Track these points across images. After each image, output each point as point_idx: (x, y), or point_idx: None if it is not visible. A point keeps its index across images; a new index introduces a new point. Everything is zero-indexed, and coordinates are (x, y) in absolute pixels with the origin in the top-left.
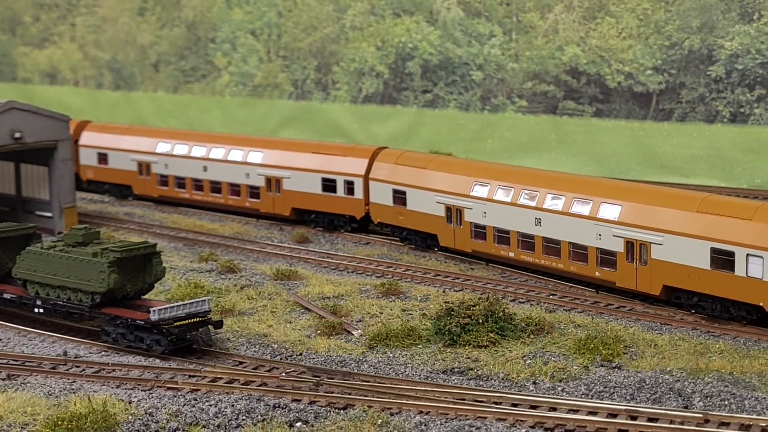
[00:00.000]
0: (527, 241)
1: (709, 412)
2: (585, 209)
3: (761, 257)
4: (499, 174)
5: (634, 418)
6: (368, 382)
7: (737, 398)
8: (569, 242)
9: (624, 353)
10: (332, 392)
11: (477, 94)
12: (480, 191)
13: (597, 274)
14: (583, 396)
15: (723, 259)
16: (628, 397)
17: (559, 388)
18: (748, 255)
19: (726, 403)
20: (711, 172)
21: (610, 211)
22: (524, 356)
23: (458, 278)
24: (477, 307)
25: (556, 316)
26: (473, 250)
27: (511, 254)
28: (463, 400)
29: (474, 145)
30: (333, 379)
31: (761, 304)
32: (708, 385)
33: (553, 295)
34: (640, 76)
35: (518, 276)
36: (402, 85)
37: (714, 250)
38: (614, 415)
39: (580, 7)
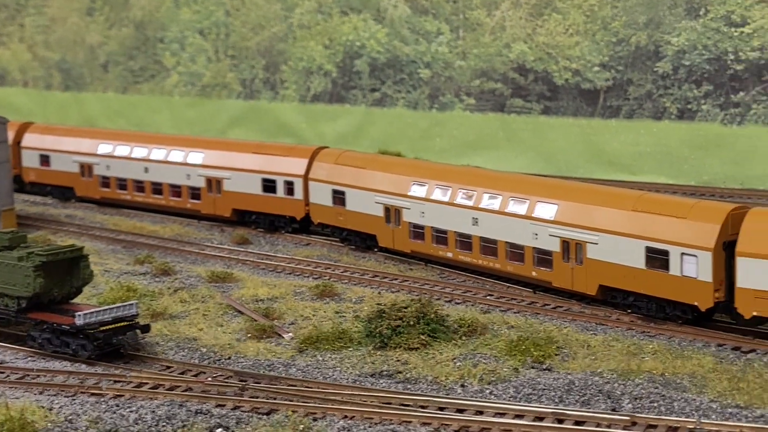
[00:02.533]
0: (465, 241)
1: (637, 415)
2: (521, 208)
3: (696, 256)
4: (437, 173)
5: (560, 421)
6: (295, 386)
7: (667, 400)
8: (506, 242)
9: (556, 354)
10: (257, 397)
11: (425, 93)
12: (418, 191)
13: (534, 274)
14: (511, 399)
15: (658, 258)
16: (556, 400)
17: (488, 391)
18: (682, 254)
19: (655, 404)
20: (659, 169)
21: (547, 210)
22: (454, 358)
23: (396, 279)
24: (409, 309)
25: (491, 317)
26: (412, 250)
27: (449, 254)
28: (389, 404)
29: (422, 144)
30: (259, 383)
31: (696, 303)
32: (638, 387)
33: (490, 295)
34: (588, 73)
35: (457, 276)
36: (350, 83)
37: (649, 249)
38: (541, 418)
39: (527, 3)
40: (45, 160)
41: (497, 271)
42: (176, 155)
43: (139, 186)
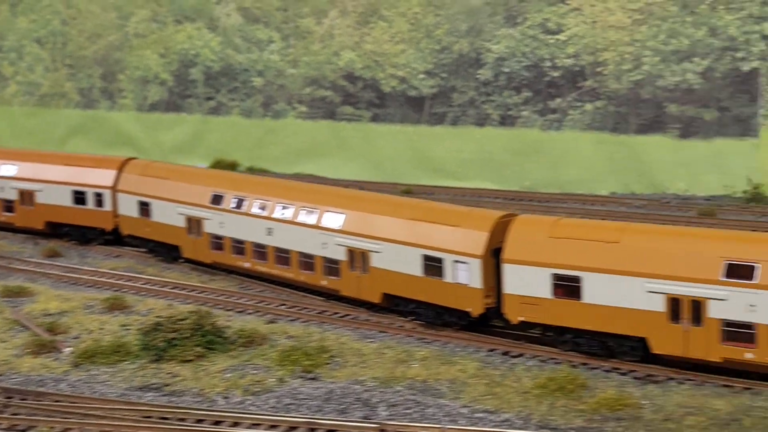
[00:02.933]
0: (260, 251)
1: (386, 422)
2: (311, 218)
3: (466, 263)
4: (235, 184)
5: (313, 431)
6: (60, 401)
7: (421, 406)
8: (298, 252)
9: (327, 364)
10: (18, 414)
11: (259, 101)
12: (217, 201)
13: (324, 283)
14: (271, 409)
15: (433, 266)
16: (314, 409)
17: (248, 402)
18: (454, 261)
19: (409, 411)
20: (483, 175)
21: (334, 219)
22: (225, 370)
23: (193, 291)
24: (185, 321)
25: (272, 328)
26: (213, 261)
27: (247, 265)
28: (150, 417)
29: (257, 152)
30: (25, 399)
31: (469, 309)
32: (396, 394)
33: (283, 305)
34: (413, 81)
35: (255, 287)
36: (186, 92)
37: (425, 257)
38: (294, 428)
39: (354, 12)
40: None
41: (291, 281)
42: None
43: None
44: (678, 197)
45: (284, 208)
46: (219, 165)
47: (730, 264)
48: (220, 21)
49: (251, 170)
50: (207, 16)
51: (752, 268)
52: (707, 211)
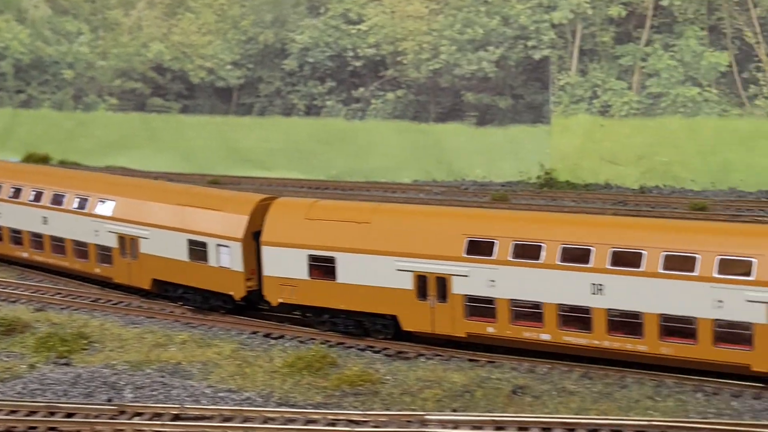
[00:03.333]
0: (37, 241)
1: (128, 404)
2: (84, 206)
3: (228, 246)
4: (11, 173)
5: (52, 414)
6: None
7: (167, 388)
8: (72, 240)
9: (84, 349)
10: None
11: (69, 93)
12: None
13: (97, 270)
14: (17, 395)
15: (198, 251)
16: (60, 393)
17: None
18: (218, 245)
19: (155, 393)
20: (291, 165)
21: (106, 207)
22: None
23: None
24: None
25: (38, 316)
26: None
27: (25, 254)
28: None
29: (69, 145)
30: None
31: (232, 293)
32: (145, 377)
33: (58, 294)
34: (221, 72)
35: (35, 276)
36: None
37: (191, 242)
38: (34, 412)
39: (162, 3)
40: None
41: (67, 270)
42: None
43: None
44: (476, 183)
45: (58, 196)
46: (31, 159)
47: (471, 241)
48: (28, 13)
49: (63, 163)
50: (15, 7)
51: (491, 244)
52: (501, 197)
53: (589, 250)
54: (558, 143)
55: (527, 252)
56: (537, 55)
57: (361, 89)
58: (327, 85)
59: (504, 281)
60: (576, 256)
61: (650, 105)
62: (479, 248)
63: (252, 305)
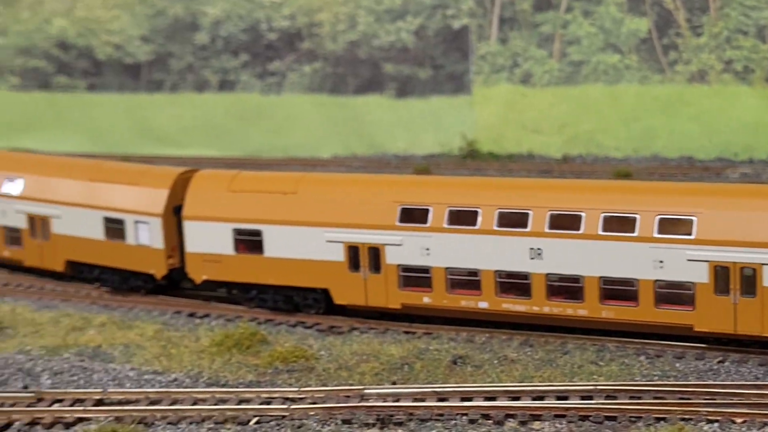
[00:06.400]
0: None
1: (45, 391)
2: None
3: (147, 223)
4: None
5: None
6: None
7: (88, 372)
8: None
9: None
10: None
11: None
12: None
13: (6, 253)
14: None
15: (115, 229)
16: None
17: None
18: (136, 222)
19: (75, 378)
20: (206, 142)
21: (13, 185)
22: None
23: None
24: None
25: None
26: None
27: None
28: None
29: None
30: None
31: (152, 272)
32: (62, 362)
33: None
34: (129, 47)
35: None
36: None
37: (107, 220)
38: None
39: None
40: None
41: None
42: None
43: None
44: (398, 156)
45: None
46: None
47: (404, 209)
48: None
49: None
50: None
51: (426, 211)
52: (423, 169)
53: (526, 214)
54: (480, 113)
55: (463, 218)
56: (456, 24)
57: (277, 62)
58: (241, 59)
59: (439, 249)
60: (513, 220)
61: (571, 73)
62: (413, 216)
63: (174, 284)
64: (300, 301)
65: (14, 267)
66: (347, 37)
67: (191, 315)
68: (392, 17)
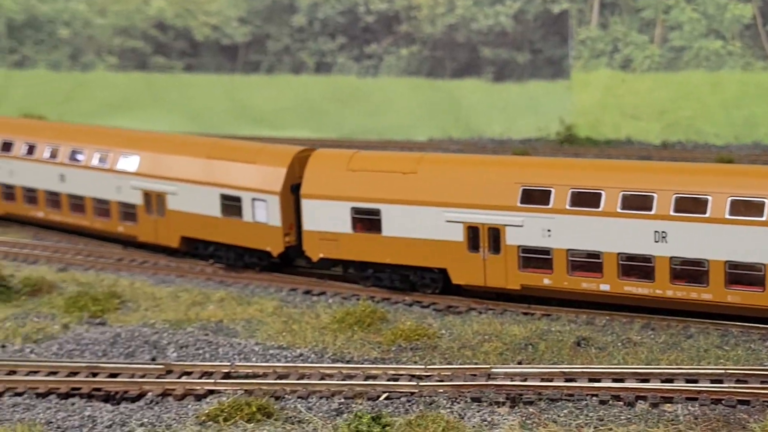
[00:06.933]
0: (54, 200)
1: (173, 363)
2: (105, 162)
3: (265, 201)
4: (25, 130)
5: (95, 375)
6: None
7: (213, 346)
8: (92, 197)
9: (117, 309)
10: None
11: (66, 53)
12: (5, 149)
13: (120, 229)
14: (53, 356)
15: (232, 206)
16: (99, 354)
17: (29, 350)
18: (253, 200)
19: (200, 351)
20: (301, 124)
21: (129, 162)
22: (5, 319)
23: None
24: None
25: (63, 276)
26: (6, 212)
27: (41, 214)
28: None
29: (66, 107)
30: None
31: (269, 249)
32: (187, 335)
33: (78, 254)
34: (227, 28)
35: (51, 236)
36: None
37: (224, 197)
38: (76, 373)
39: None
40: None
41: (87, 229)
42: None
43: None
44: (494, 141)
45: (77, 153)
46: None
47: (525, 189)
48: None
49: None
50: None
51: (548, 192)
52: (521, 153)
53: (651, 197)
54: (578, 98)
55: (585, 200)
56: (556, 9)
57: (374, 45)
58: (338, 42)
59: (561, 231)
60: (637, 203)
61: (673, 59)
62: (534, 197)
63: (287, 262)
64: (417, 280)
65: (126, 242)
66: (445, 20)
67: (307, 292)
68: (491, 1)
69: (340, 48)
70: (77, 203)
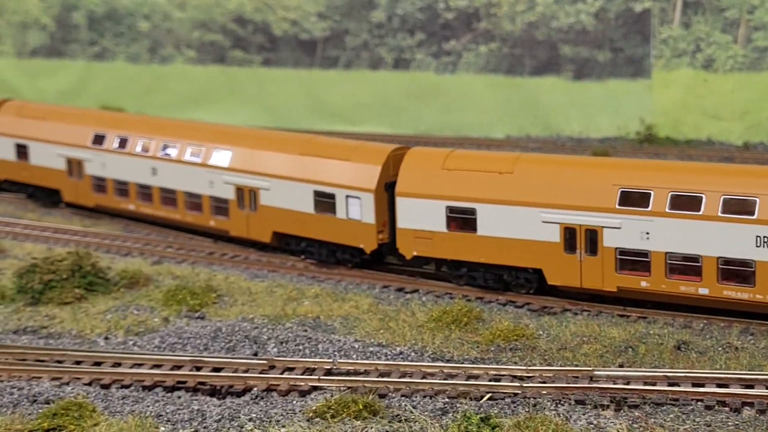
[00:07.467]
0: (145, 193)
1: (276, 358)
2: (197, 156)
3: (359, 198)
4: (117, 123)
5: (198, 369)
6: None
7: (312, 342)
8: (184, 191)
9: (215, 303)
10: None
11: (145, 46)
12: (98, 142)
13: (212, 223)
14: (155, 349)
15: (325, 202)
16: (201, 348)
17: (131, 343)
18: (347, 196)
19: (300, 347)
20: (378, 120)
21: (221, 157)
22: (106, 311)
23: (75, 234)
24: (63, 262)
25: (158, 269)
26: (96, 204)
27: (132, 207)
28: (24, 360)
29: (145, 99)
30: None
31: (362, 245)
32: (286, 331)
33: (169, 247)
34: (305, 23)
35: (140, 229)
36: (68, 37)
37: (317, 193)
38: (179, 366)
39: None
40: None
41: (178, 222)
42: None
43: None
44: (572, 139)
45: (169, 146)
46: None
47: (624, 191)
48: None
49: None
50: None
51: (647, 195)
52: (601, 152)
53: (753, 201)
54: (658, 98)
55: (686, 203)
56: (638, 7)
57: (453, 42)
58: (417, 38)
59: (660, 234)
60: (739, 207)
61: (756, 59)
62: (633, 199)
63: (377, 258)
64: (511, 280)
65: (216, 236)
66: (526, 17)
67: (399, 290)
68: None
69: (418, 44)
70: (169, 197)
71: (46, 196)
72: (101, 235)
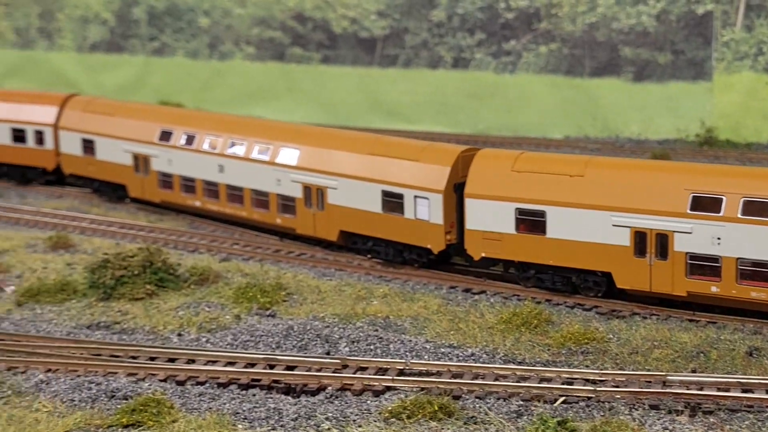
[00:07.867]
0: (212, 189)
1: (348, 358)
2: (265, 154)
3: (427, 198)
4: (184, 120)
5: (272, 367)
6: (3, 340)
7: (384, 342)
8: (251, 189)
9: (284, 301)
10: None
11: (205, 42)
12: (165, 138)
13: (279, 221)
14: (228, 346)
15: (393, 202)
16: (273, 346)
17: (204, 339)
18: (415, 197)
19: (372, 347)
20: (436, 119)
21: (289, 155)
22: (178, 307)
23: (142, 230)
24: (135, 258)
25: (227, 266)
26: (162, 200)
27: (198, 203)
28: (99, 355)
29: (203, 95)
30: None
31: (429, 246)
32: (357, 330)
33: (236, 244)
34: (365, 21)
35: (206, 226)
36: (128, 32)
37: (385, 193)
38: (253, 364)
39: None
40: None
41: (244, 219)
42: None
43: None
44: (631, 141)
45: (237, 144)
46: None
47: (695, 196)
48: None
49: None
50: None
51: (719, 200)
52: (661, 155)
53: None
54: (719, 101)
55: (758, 209)
56: (700, 10)
57: (513, 42)
58: (476, 38)
59: (732, 239)
60: None
61: None
62: (705, 204)
63: (444, 259)
64: (579, 283)
65: (282, 234)
66: (586, 18)
67: (466, 291)
68: (633, 0)
69: (478, 44)
70: (236, 194)
71: (112, 191)
72: (168, 231)
